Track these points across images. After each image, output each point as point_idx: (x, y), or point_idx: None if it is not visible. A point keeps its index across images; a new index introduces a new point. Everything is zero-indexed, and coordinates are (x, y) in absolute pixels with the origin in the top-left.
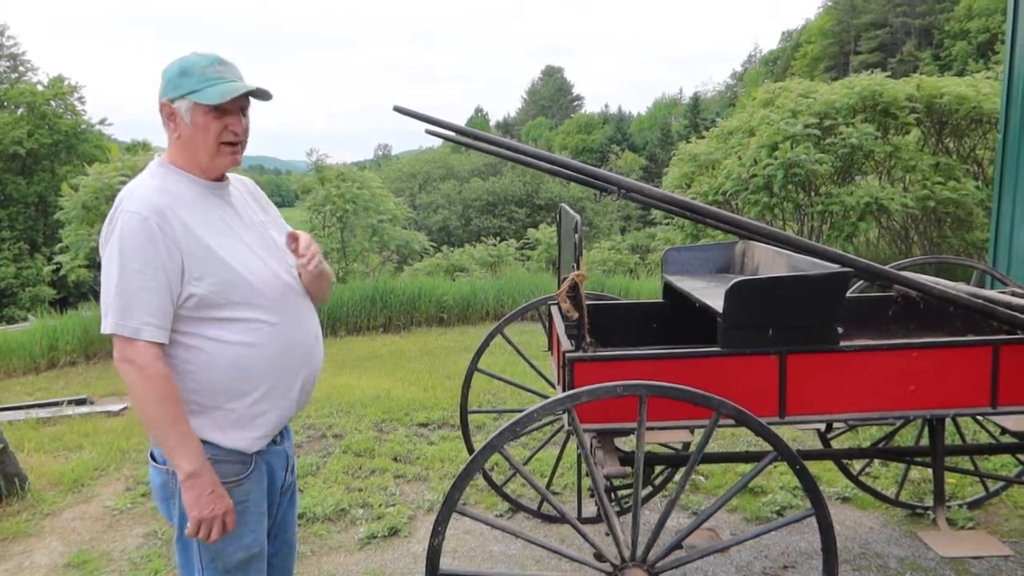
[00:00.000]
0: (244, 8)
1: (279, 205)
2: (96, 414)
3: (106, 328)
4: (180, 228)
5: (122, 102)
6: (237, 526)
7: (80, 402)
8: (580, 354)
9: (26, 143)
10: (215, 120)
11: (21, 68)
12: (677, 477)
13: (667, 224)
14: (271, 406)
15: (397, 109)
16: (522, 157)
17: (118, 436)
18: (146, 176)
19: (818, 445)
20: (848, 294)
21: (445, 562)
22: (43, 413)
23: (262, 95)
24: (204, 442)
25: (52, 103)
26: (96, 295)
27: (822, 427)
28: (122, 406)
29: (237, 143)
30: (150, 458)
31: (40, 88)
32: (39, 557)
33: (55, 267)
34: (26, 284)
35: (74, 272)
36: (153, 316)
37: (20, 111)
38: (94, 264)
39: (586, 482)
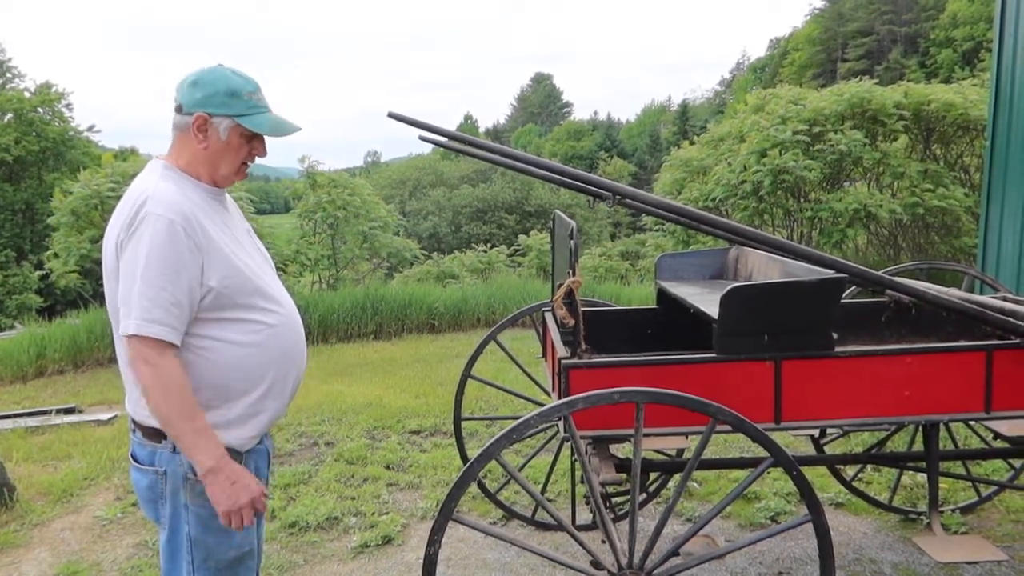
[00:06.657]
0: (232, 18)
1: (268, 212)
2: (85, 423)
3: (128, 329)
4: (201, 232)
5: (109, 109)
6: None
7: (69, 411)
8: (576, 361)
9: (13, 150)
10: (246, 143)
11: (8, 75)
12: (671, 483)
13: (657, 230)
14: (267, 406)
15: (392, 115)
16: (517, 164)
17: (107, 445)
18: (159, 179)
19: (811, 451)
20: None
21: (439, 571)
22: (31, 422)
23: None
24: None
25: (40, 110)
26: (86, 302)
27: (815, 433)
28: (111, 415)
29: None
30: (132, 460)
31: (27, 95)
32: (28, 568)
33: (44, 273)
34: (13, 292)
35: (64, 278)
36: (174, 319)
37: (7, 118)
38: (84, 271)
39: (580, 489)
